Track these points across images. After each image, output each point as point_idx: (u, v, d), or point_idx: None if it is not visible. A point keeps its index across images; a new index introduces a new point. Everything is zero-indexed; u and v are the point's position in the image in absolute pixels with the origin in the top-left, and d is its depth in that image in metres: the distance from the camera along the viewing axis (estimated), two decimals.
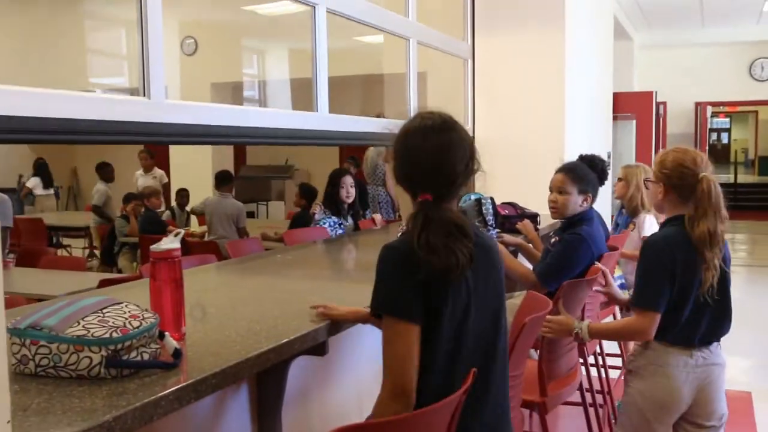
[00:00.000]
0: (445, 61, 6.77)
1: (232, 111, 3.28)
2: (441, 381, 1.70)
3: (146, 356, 1.66)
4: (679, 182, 2.44)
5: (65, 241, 10.72)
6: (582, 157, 3.77)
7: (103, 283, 4.32)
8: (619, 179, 4.83)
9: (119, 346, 1.59)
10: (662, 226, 2.61)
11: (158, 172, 9.54)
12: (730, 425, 4.43)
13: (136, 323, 1.65)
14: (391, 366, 1.65)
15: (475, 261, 1.69)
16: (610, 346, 4.83)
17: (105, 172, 9.38)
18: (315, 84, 3.89)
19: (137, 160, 10.84)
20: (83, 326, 1.61)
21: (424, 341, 1.66)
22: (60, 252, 9.62)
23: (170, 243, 1.92)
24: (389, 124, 4.67)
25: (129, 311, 1.70)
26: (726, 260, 2.45)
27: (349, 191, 5.01)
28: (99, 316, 1.65)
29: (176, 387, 1.55)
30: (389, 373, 1.65)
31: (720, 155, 28.04)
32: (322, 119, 3.91)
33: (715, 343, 2.46)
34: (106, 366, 1.58)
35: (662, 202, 2.53)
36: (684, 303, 2.38)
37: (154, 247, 1.92)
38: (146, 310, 1.75)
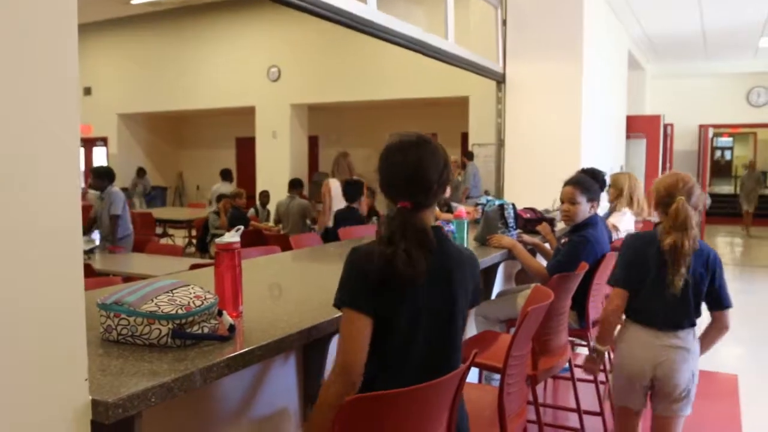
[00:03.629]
0: (483, 88, 6.71)
1: None
2: (393, 375, 1.63)
3: (206, 330, 1.68)
4: (661, 200, 2.50)
5: (170, 231, 10.99)
6: (584, 171, 3.69)
7: (193, 267, 4.42)
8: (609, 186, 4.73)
9: (183, 321, 1.62)
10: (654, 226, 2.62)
11: None
12: (718, 403, 4.32)
13: (198, 302, 1.67)
14: (343, 348, 1.59)
15: (435, 269, 1.63)
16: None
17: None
18: None
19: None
20: (155, 303, 1.64)
21: (380, 337, 1.60)
22: (166, 240, 9.86)
23: (231, 237, 1.93)
24: (426, 36, 4.53)
25: (194, 292, 1.72)
26: (699, 271, 2.44)
27: None
28: (169, 296, 1.67)
29: (228, 356, 1.56)
30: (340, 352, 1.59)
31: (723, 170, 27.22)
32: (371, 12, 3.78)
33: (681, 330, 2.46)
34: (172, 336, 1.61)
35: (655, 211, 2.59)
36: (653, 291, 2.44)
37: (218, 240, 1.94)
38: (208, 292, 1.76)
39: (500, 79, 5.88)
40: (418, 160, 1.67)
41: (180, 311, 1.62)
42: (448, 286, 1.70)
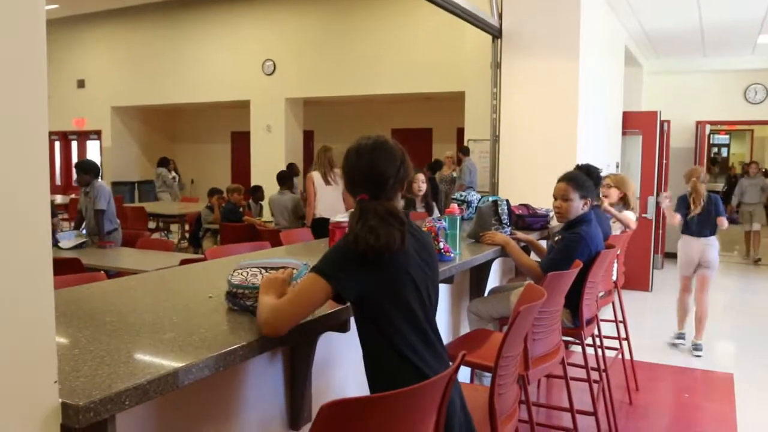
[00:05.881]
0: (478, 83, 6.66)
1: None
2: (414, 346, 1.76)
3: (249, 303, 1.92)
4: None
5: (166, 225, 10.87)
6: (579, 167, 3.64)
7: (183, 262, 4.36)
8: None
9: (234, 290, 1.94)
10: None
11: None
12: (714, 401, 4.29)
13: (254, 280, 1.94)
14: (299, 307, 1.70)
15: (408, 245, 1.76)
16: (609, 329, 4.68)
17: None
18: None
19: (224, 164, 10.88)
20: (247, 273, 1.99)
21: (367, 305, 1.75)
22: (160, 235, 9.78)
23: (342, 217, 2.24)
24: None
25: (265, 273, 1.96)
26: (709, 206, 5.28)
27: (420, 186, 5.44)
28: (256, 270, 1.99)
29: (206, 357, 1.51)
30: (291, 305, 1.70)
31: (720, 166, 27.24)
32: None
33: (708, 237, 5.27)
34: (226, 299, 1.99)
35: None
36: (690, 219, 5.29)
37: (333, 219, 2.32)
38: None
39: (497, 34, 5.75)
40: (374, 159, 1.85)
41: (235, 281, 1.95)
42: (426, 262, 1.88)
